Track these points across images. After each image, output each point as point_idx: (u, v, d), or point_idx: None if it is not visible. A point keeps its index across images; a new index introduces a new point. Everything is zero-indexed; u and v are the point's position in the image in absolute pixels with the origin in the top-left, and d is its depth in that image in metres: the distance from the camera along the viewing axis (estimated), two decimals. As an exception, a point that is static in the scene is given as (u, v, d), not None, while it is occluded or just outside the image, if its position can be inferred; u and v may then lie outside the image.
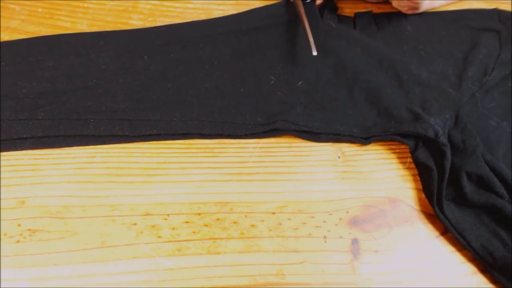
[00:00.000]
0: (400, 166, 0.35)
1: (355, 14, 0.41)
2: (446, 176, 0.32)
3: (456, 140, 0.34)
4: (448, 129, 0.35)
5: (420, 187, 0.33)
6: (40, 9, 0.41)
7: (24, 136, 0.33)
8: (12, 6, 0.41)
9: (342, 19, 0.41)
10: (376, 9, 0.43)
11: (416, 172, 0.34)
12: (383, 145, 0.36)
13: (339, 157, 0.35)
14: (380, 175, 0.34)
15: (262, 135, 0.35)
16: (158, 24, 0.41)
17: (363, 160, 0.35)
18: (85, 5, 0.42)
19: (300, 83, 0.37)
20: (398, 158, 0.35)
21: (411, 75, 0.37)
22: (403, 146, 0.35)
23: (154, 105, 0.35)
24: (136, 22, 0.41)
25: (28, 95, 0.35)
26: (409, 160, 0.35)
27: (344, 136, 0.35)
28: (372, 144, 0.35)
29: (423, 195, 0.33)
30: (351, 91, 0.37)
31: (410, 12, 0.41)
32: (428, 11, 0.42)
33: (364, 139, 0.35)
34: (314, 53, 0.36)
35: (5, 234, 0.30)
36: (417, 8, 0.40)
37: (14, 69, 0.36)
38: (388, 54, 0.38)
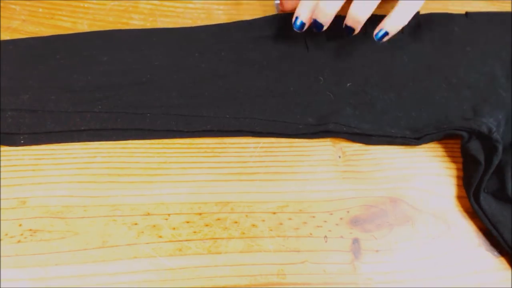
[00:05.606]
0: (401, 165, 0.35)
1: None
2: (491, 171, 0.32)
3: (505, 140, 0.34)
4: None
5: (421, 186, 0.33)
6: (40, 9, 0.41)
7: (82, 128, 0.33)
8: (13, 6, 0.41)
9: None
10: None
11: (417, 171, 0.34)
12: (384, 144, 0.35)
13: (339, 157, 0.35)
14: (381, 175, 0.34)
15: (311, 136, 0.35)
16: (159, 24, 0.41)
17: (364, 160, 0.35)
18: (86, 5, 0.42)
19: (348, 84, 0.37)
20: (399, 157, 0.35)
21: (460, 78, 0.37)
22: (403, 146, 0.35)
23: (207, 101, 0.36)
24: (136, 22, 0.41)
25: (84, 88, 0.35)
26: (410, 159, 0.35)
27: (397, 138, 0.35)
28: (372, 143, 0.35)
29: (424, 195, 0.33)
30: (400, 94, 0.37)
31: None
32: (473, 11, 0.42)
33: (416, 140, 0.35)
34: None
35: (6, 234, 0.30)
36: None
37: (69, 63, 0.37)
38: (436, 59, 0.38)
